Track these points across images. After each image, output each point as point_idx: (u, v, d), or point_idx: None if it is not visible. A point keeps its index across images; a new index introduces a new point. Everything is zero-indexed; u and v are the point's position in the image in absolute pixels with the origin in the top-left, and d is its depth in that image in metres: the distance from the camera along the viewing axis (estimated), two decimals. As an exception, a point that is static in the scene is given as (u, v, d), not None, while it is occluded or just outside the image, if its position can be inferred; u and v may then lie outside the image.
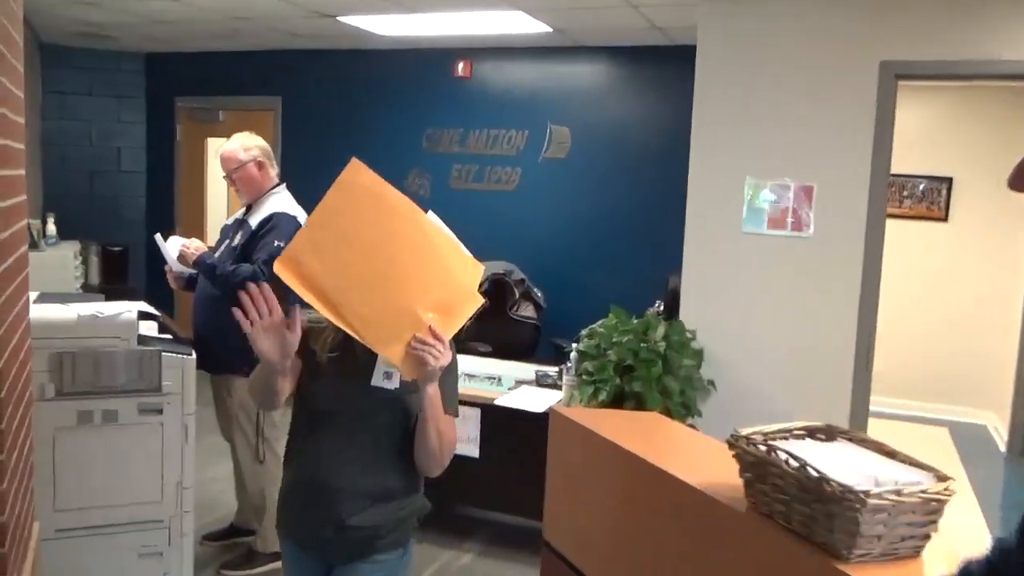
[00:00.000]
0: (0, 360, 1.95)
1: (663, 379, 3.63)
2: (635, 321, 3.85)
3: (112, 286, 6.64)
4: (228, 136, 3.65)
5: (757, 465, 1.65)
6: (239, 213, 3.69)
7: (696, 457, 2.13)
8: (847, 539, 1.47)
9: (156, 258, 3.68)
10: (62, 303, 3.34)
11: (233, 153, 3.53)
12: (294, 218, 3.50)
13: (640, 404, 3.60)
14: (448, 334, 1.81)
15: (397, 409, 1.93)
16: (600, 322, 3.94)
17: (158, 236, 3.72)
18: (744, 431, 1.72)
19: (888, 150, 3.81)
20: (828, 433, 1.79)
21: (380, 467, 1.93)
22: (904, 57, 3.72)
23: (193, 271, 3.61)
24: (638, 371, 3.62)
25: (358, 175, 1.76)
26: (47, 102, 7.08)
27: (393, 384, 1.91)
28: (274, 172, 3.63)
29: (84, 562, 3.26)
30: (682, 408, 3.69)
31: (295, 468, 2.00)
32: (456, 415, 2.02)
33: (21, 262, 2.40)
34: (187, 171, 7.48)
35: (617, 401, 3.62)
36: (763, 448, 1.63)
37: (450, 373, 1.97)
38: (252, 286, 1.79)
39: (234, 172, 3.52)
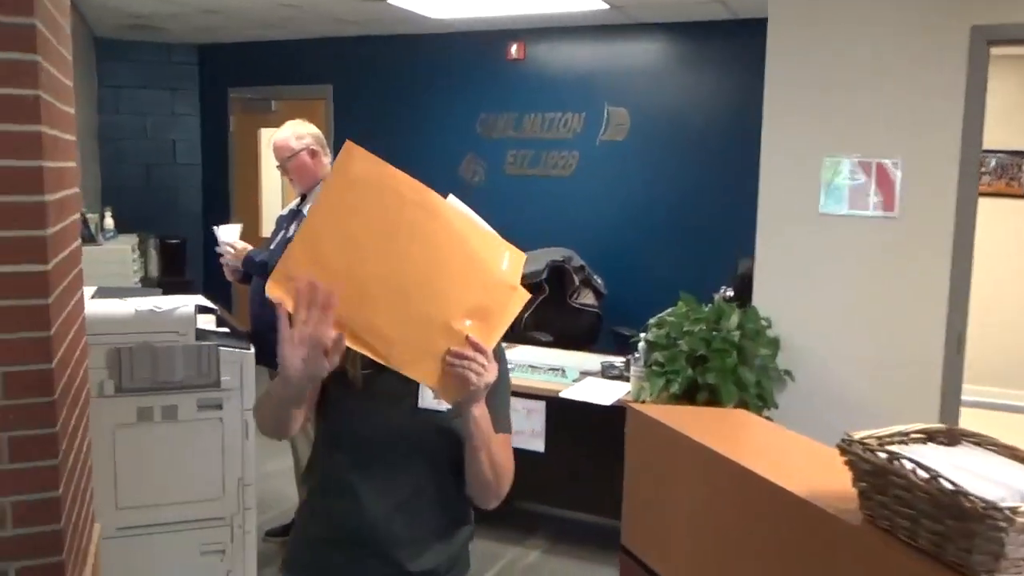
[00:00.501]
0: (52, 361, 1.86)
1: (738, 370, 3.44)
2: (706, 309, 3.66)
3: (170, 279, 6.66)
4: (280, 126, 3.55)
5: (875, 474, 1.47)
6: (294, 203, 3.60)
7: (794, 460, 1.96)
8: (988, 561, 1.29)
9: (213, 250, 3.60)
10: (119, 298, 3.28)
11: (285, 142, 3.43)
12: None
13: (714, 396, 3.42)
14: (490, 342, 1.46)
15: (452, 433, 1.57)
16: (669, 310, 3.76)
17: (216, 228, 3.65)
18: (857, 435, 1.54)
19: (979, 122, 3.55)
20: (950, 436, 1.60)
21: (438, 501, 1.62)
22: (997, 21, 3.45)
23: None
24: (711, 361, 3.43)
25: (353, 162, 1.41)
26: (103, 96, 7.11)
27: (445, 404, 1.54)
28: (327, 160, 3.53)
29: (146, 560, 3.22)
30: (758, 400, 3.50)
31: (332, 514, 1.62)
32: (509, 431, 1.65)
33: (74, 258, 2.31)
34: (241, 162, 7.46)
35: (690, 393, 3.44)
36: (883, 455, 1.45)
37: (498, 386, 1.52)
38: (311, 283, 1.48)
39: (287, 161, 3.43)
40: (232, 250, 3.50)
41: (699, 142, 5.68)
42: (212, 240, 3.69)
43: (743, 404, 3.43)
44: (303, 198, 3.51)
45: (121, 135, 7.21)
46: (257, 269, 3.42)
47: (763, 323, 3.69)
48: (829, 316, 3.77)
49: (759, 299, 3.87)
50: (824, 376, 3.75)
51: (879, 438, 1.54)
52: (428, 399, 1.57)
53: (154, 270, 6.72)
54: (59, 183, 2.07)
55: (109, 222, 5.35)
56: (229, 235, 3.57)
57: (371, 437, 1.58)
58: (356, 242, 1.41)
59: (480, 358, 1.42)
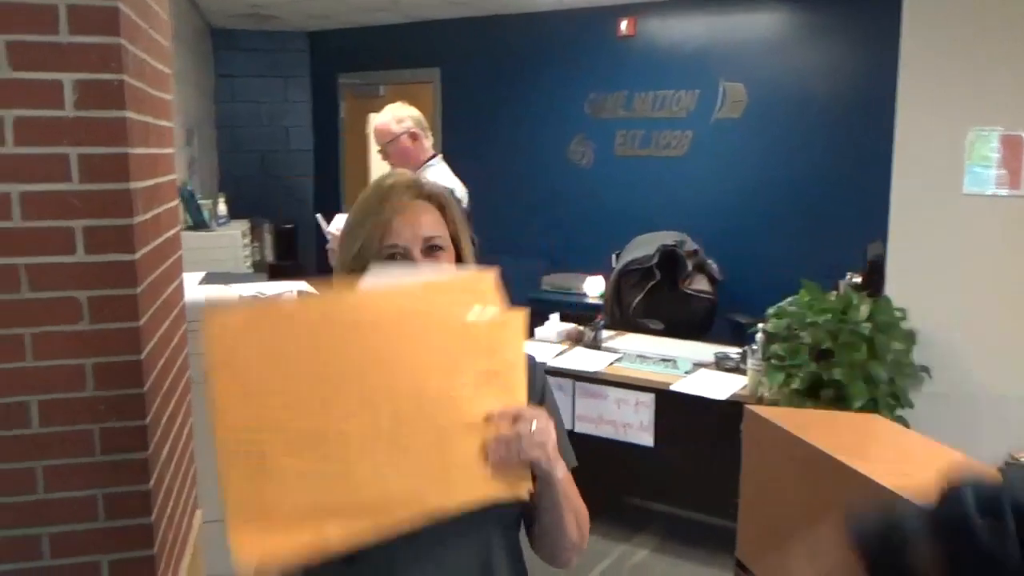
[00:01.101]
0: (142, 352, 1.82)
1: (868, 365, 3.15)
2: (832, 298, 3.38)
3: (283, 263, 6.78)
4: (386, 111, 3.48)
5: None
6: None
7: (933, 475, 1.71)
8: None
9: (324, 235, 3.58)
10: (225, 284, 3.29)
11: (386, 125, 3.35)
12: (451, 191, 3.28)
13: (840, 393, 3.15)
14: (518, 394, 1.13)
15: (505, 510, 1.19)
16: (789, 299, 3.49)
17: (318, 216, 3.62)
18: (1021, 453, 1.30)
19: None
20: None
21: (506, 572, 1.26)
22: None
23: None
24: (838, 356, 3.16)
25: (225, 332, 1.04)
26: (219, 86, 7.28)
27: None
28: (429, 143, 3.43)
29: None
30: (891, 399, 3.20)
31: None
32: (574, 463, 1.31)
33: (170, 246, 2.28)
34: (351, 147, 7.51)
35: (813, 390, 3.18)
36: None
37: (552, 419, 1.17)
38: None
39: (388, 145, 3.35)
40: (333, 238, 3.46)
41: (823, 118, 5.30)
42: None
43: (873, 403, 3.15)
44: (405, 183, 3.43)
45: (237, 123, 7.37)
46: None
47: (897, 314, 3.38)
48: (973, 307, 3.42)
49: (893, 288, 3.55)
50: (966, 374, 3.41)
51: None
52: None
53: (268, 255, 6.85)
54: (151, 170, 2.03)
55: (222, 208, 5.45)
56: (332, 224, 3.54)
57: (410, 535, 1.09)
58: (292, 415, 1.04)
59: (523, 423, 1.09)
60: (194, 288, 3.17)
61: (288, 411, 1.04)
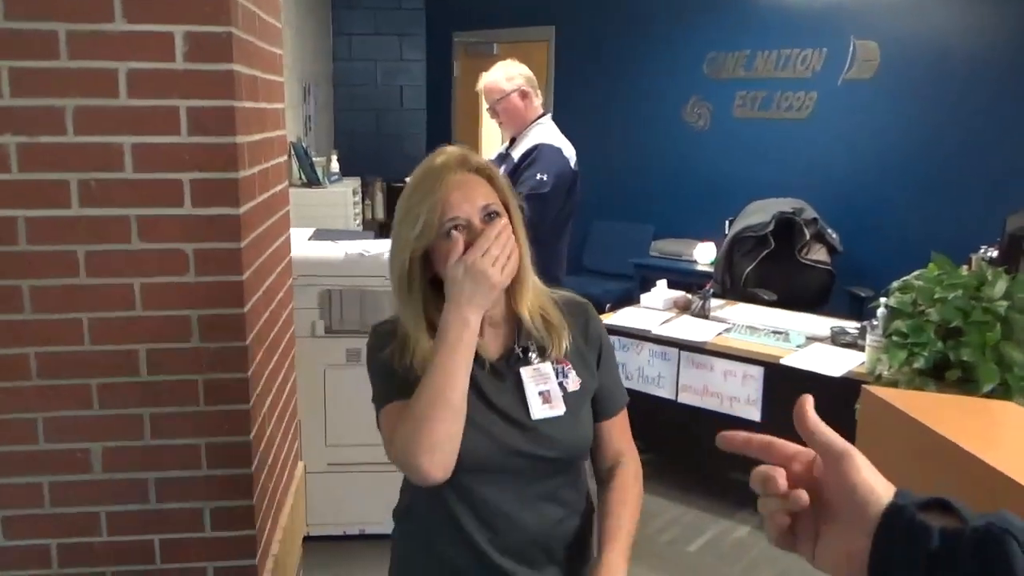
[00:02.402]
0: (245, 306, 1.84)
1: (1001, 346, 2.92)
2: (965, 274, 3.13)
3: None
4: (499, 70, 3.41)
5: None
6: (503, 147, 3.46)
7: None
8: None
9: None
10: (332, 240, 3.34)
11: (496, 84, 3.29)
12: (559, 150, 3.21)
13: (968, 375, 2.93)
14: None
15: (563, 441, 1.39)
16: (916, 273, 3.26)
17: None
18: None
19: None
20: None
21: (568, 513, 1.44)
22: None
23: None
24: (968, 335, 2.93)
25: None
26: (337, 44, 7.38)
27: (556, 408, 1.37)
28: (538, 102, 3.35)
29: (352, 497, 3.30)
30: (1025, 383, 2.96)
31: (459, 554, 1.39)
32: (626, 402, 1.52)
33: (277, 201, 2.31)
34: (463, 107, 7.50)
35: (938, 370, 2.97)
36: None
37: (610, 360, 1.50)
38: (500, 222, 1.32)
39: (497, 103, 3.29)
40: None
41: (962, 80, 4.91)
42: None
43: (1004, 387, 2.92)
44: (512, 142, 3.37)
45: (353, 81, 7.47)
46: None
47: (1037, 293, 3.11)
48: None
49: (1033, 264, 3.27)
50: (1115, 360, 3.11)
51: None
52: (537, 407, 1.37)
53: (379, 212, 6.95)
54: (258, 125, 2.04)
55: (335, 165, 5.54)
56: None
57: (481, 464, 1.34)
58: None
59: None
60: (302, 244, 3.22)
61: None
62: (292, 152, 4.96)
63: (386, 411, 1.35)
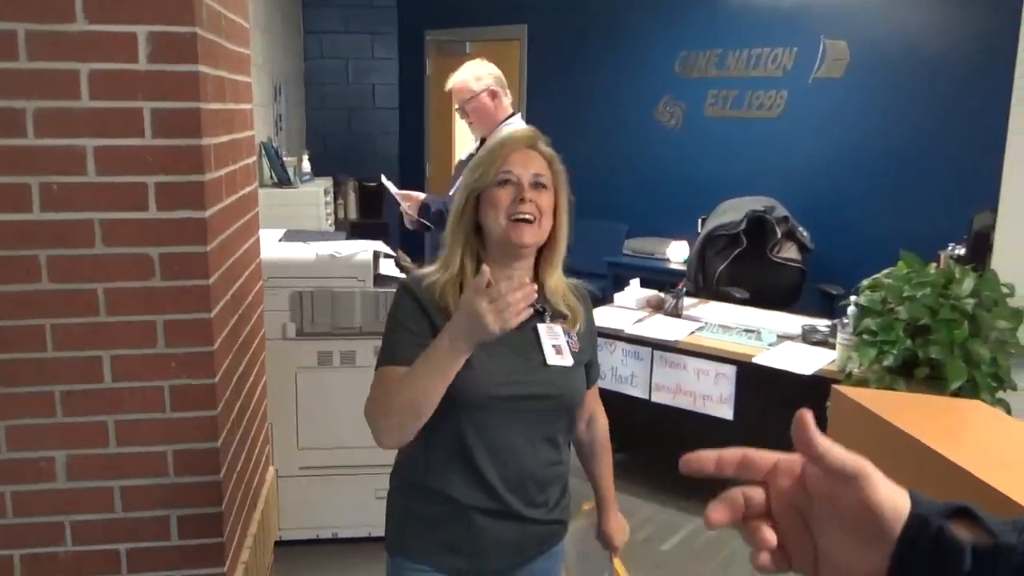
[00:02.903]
0: (212, 310, 1.82)
1: (969, 344, 2.95)
2: (933, 272, 3.17)
3: (367, 221, 6.83)
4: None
5: None
6: (473, 147, 3.45)
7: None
8: None
9: (394, 198, 3.54)
10: (304, 242, 3.30)
11: (465, 84, 3.27)
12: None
13: (937, 372, 2.96)
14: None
15: (570, 388, 1.60)
16: (886, 271, 3.29)
17: (383, 179, 3.60)
18: None
19: None
20: None
21: (561, 459, 1.65)
22: None
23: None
24: (936, 333, 2.96)
25: None
26: (308, 42, 7.32)
27: (566, 359, 1.58)
28: (508, 101, 3.34)
29: (325, 500, 3.28)
30: (991, 380, 2.99)
31: (466, 485, 1.55)
32: (600, 377, 1.81)
33: (245, 203, 2.28)
34: (436, 106, 7.47)
35: (907, 368, 3.00)
36: None
37: (595, 337, 1.74)
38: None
39: (467, 103, 3.27)
40: (405, 200, 3.42)
41: (931, 79, 4.97)
42: (407, 185, 3.64)
43: (972, 384, 2.95)
44: (482, 142, 3.35)
45: (324, 80, 7.41)
46: (434, 219, 3.32)
47: (1004, 290, 3.15)
48: (1090, 285, 3.16)
49: (1000, 261, 3.31)
50: (1079, 356, 3.17)
51: None
52: (552, 355, 1.57)
53: (352, 213, 6.91)
54: (226, 126, 2.01)
55: (306, 165, 5.49)
56: (395, 186, 3.51)
57: (500, 398, 1.52)
58: None
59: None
60: (273, 245, 3.19)
61: None
62: (262, 152, 4.91)
63: (380, 372, 1.52)
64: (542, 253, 1.59)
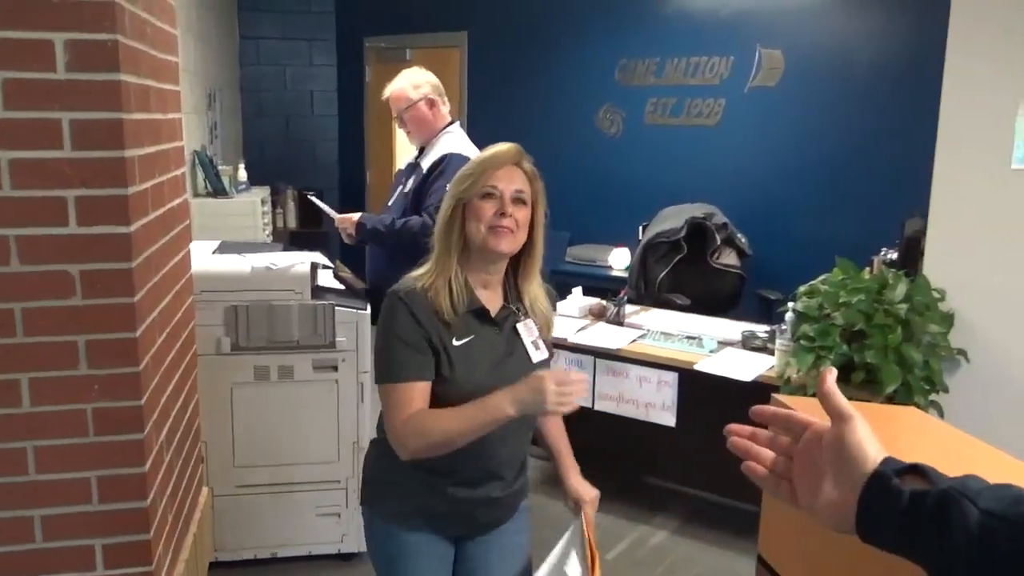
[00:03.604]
0: (137, 329, 1.74)
1: (902, 348, 3.01)
2: (867, 277, 3.23)
3: (307, 230, 6.70)
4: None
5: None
6: (412, 157, 3.40)
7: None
8: None
9: (350, 202, 3.48)
10: (239, 253, 3.21)
11: (402, 92, 3.22)
12: (468, 159, 3.17)
13: (872, 376, 3.02)
14: None
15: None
16: (822, 277, 3.34)
17: (312, 197, 3.54)
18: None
19: None
20: None
21: (528, 431, 1.87)
22: None
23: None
24: (871, 338, 3.02)
25: None
26: (244, 48, 7.18)
27: (543, 353, 1.83)
28: (446, 109, 3.30)
29: (264, 519, 3.19)
30: (924, 383, 3.06)
31: (448, 469, 1.75)
32: None
33: (174, 216, 2.20)
34: (376, 113, 7.39)
35: (844, 372, 3.04)
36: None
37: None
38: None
39: (404, 112, 3.23)
40: (343, 226, 3.35)
41: (863, 88, 5.09)
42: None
43: (906, 387, 3.02)
44: (421, 151, 3.32)
45: (261, 87, 7.28)
46: (369, 237, 3.26)
47: (935, 295, 3.23)
48: (1017, 288, 3.25)
49: (931, 267, 3.39)
50: (1005, 356, 3.25)
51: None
52: (534, 352, 1.79)
53: (291, 222, 6.78)
54: (152, 137, 1.94)
55: (242, 174, 5.37)
56: (327, 206, 3.46)
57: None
58: None
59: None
60: (206, 258, 3.10)
61: None
62: (196, 161, 4.78)
63: (391, 389, 1.64)
64: (521, 262, 1.79)
